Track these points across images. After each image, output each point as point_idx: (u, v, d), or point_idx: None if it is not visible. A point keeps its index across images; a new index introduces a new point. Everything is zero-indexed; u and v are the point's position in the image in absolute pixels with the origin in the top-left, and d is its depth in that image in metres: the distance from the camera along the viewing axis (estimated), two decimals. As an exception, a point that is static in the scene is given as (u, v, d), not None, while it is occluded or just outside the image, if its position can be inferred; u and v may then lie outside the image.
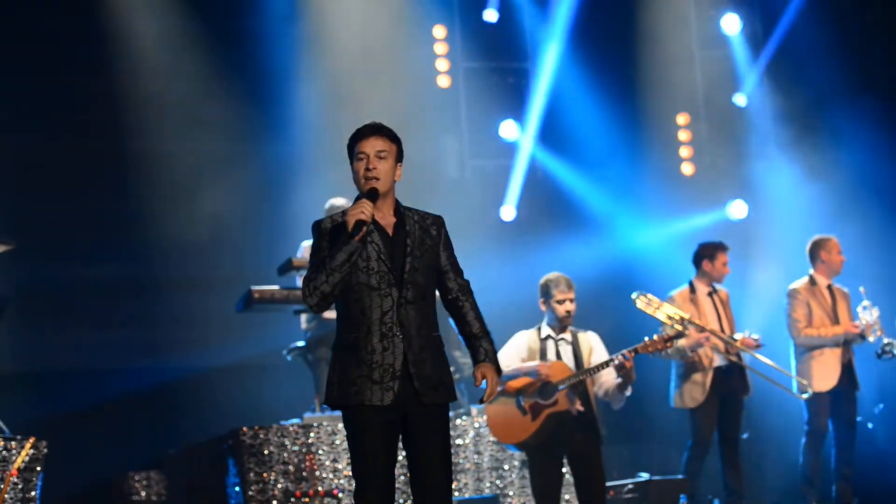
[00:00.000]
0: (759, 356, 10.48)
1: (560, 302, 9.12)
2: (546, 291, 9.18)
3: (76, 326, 12.29)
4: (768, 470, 12.90)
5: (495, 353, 6.36)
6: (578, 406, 8.97)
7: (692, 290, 10.74)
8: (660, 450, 13.25)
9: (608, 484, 10.57)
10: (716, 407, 10.56)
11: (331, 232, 6.14)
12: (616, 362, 8.96)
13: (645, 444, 13.38)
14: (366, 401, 6.04)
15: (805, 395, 10.69)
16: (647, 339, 9.16)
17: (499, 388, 8.91)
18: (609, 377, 9.13)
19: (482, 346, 6.33)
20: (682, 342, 10.29)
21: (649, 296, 10.09)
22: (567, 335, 9.19)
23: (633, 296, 10.05)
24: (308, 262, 10.26)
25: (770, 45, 14.34)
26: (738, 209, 14.54)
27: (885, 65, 14.07)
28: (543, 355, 9.10)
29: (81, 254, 12.33)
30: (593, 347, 9.22)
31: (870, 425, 11.80)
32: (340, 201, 10.78)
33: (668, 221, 14.19)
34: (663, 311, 10.03)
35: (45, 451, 9.19)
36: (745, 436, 11.44)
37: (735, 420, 10.67)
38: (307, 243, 10.95)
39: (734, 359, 10.52)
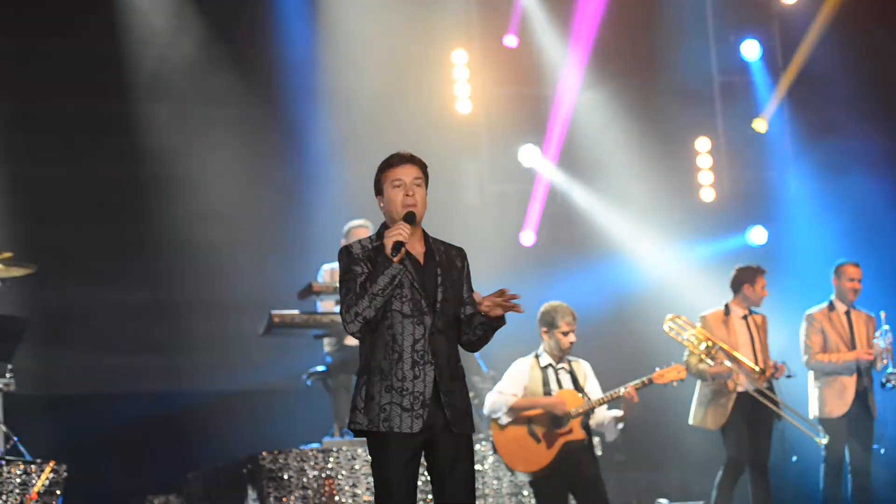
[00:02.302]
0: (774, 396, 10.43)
1: (565, 333, 9.22)
2: (551, 321, 9.24)
3: (96, 350, 12.30)
4: (789, 496, 12.84)
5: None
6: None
7: (727, 312, 10.68)
8: (679, 476, 13.20)
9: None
10: (744, 430, 10.49)
11: (362, 257, 6.16)
12: (626, 393, 9.05)
13: (664, 471, 13.33)
14: (395, 428, 6.04)
15: (823, 441, 10.63)
16: (657, 370, 9.22)
17: (508, 418, 8.99)
18: (602, 408, 9.23)
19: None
20: (703, 367, 10.27)
21: (682, 318, 10.11)
22: (565, 364, 9.29)
23: (668, 318, 10.09)
24: (329, 287, 10.39)
25: (790, 71, 14.35)
26: (758, 235, 14.52)
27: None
28: (546, 383, 9.19)
29: (102, 278, 12.36)
30: (587, 376, 9.36)
31: (882, 451, 11.72)
32: (359, 223, 10.81)
33: (688, 247, 14.17)
34: (691, 335, 10.04)
35: (65, 474, 9.20)
36: (794, 459, 11.32)
37: (762, 445, 10.53)
38: (328, 266, 10.97)
39: (763, 385, 10.46)
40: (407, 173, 6.20)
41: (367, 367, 6.16)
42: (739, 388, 10.38)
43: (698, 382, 10.57)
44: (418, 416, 6.05)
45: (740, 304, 10.71)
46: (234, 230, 12.77)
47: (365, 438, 6.21)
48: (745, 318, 10.68)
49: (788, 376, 10.63)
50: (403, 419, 6.05)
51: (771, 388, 10.51)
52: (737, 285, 10.76)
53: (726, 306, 10.70)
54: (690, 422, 10.66)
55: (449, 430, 6.12)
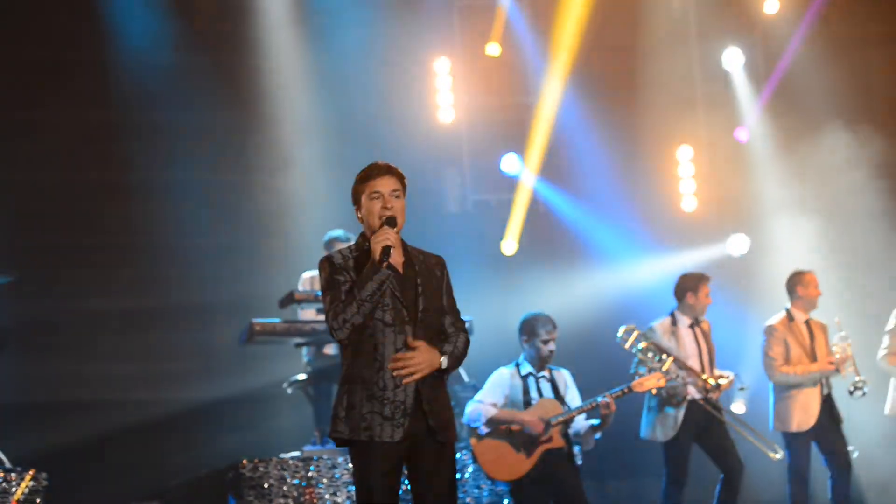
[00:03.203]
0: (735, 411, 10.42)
1: (545, 342, 9.27)
2: (532, 330, 9.29)
3: (76, 358, 12.29)
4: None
5: (451, 356, 6.25)
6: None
7: (673, 321, 10.68)
8: (658, 484, 13.21)
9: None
10: (690, 441, 10.48)
11: (343, 266, 6.17)
12: (603, 402, 9.08)
13: (644, 479, 13.34)
14: (375, 437, 6.06)
15: (777, 456, 10.57)
16: (636, 379, 9.25)
17: (487, 429, 9.02)
18: (580, 417, 9.25)
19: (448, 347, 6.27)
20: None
21: (631, 328, 10.11)
22: (546, 372, 9.32)
23: (622, 328, 10.09)
24: (310, 295, 10.40)
25: (772, 80, 14.38)
26: (738, 244, 14.54)
27: (887, 99, 14.10)
28: (526, 392, 9.23)
29: (82, 286, 12.36)
30: (567, 384, 9.39)
31: (855, 454, 11.70)
32: (339, 233, 10.82)
33: (669, 256, 14.19)
34: (644, 346, 10.04)
35: (46, 483, 9.19)
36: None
37: (726, 448, 10.50)
38: (307, 274, 10.98)
39: (713, 394, 10.44)
40: (385, 185, 6.21)
41: (348, 375, 6.17)
42: (689, 397, 10.33)
43: (647, 395, 10.50)
44: (399, 424, 6.07)
45: (685, 312, 10.68)
46: (215, 238, 12.77)
47: (346, 447, 6.23)
48: (691, 326, 10.67)
49: (741, 388, 10.63)
50: (384, 428, 6.06)
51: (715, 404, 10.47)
52: (680, 293, 10.72)
53: (672, 315, 10.68)
54: (642, 435, 10.58)
55: (431, 438, 6.14)
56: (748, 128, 14.58)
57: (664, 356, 10.13)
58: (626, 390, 9.28)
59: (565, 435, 9.18)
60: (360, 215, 6.28)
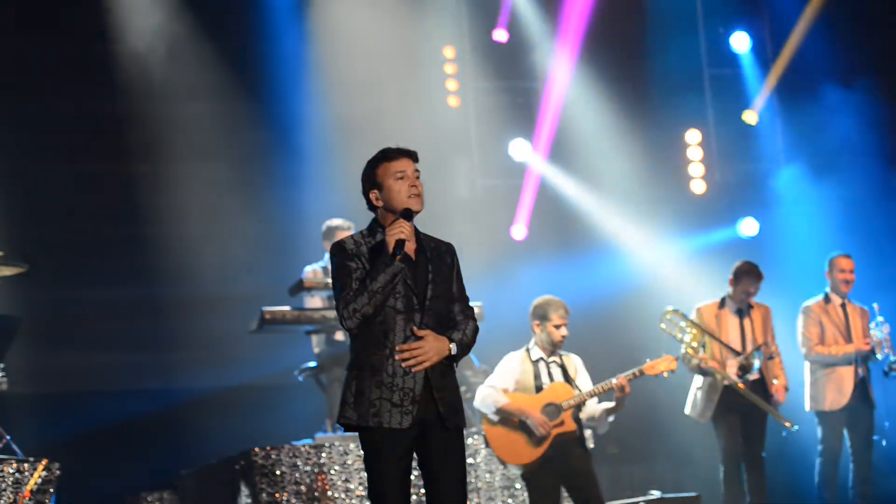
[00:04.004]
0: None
1: (557, 326, 9.23)
2: (543, 314, 9.26)
3: (88, 348, 12.30)
4: (782, 490, 12.85)
5: (460, 343, 6.25)
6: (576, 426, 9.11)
7: (721, 304, 10.67)
8: (672, 468, 13.22)
9: (620, 502, 10.62)
10: (734, 422, 10.48)
11: (356, 252, 6.16)
12: (616, 384, 9.07)
13: (658, 463, 13.35)
14: (384, 423, 6.06)
15: (795, 428, 10.53)
16: (648, 361, 9.23)
17: (494, 416, 9.03)
18: (593, 401, 9.24)
19: (456, 335, 6.26)
20: (696, 362, 10.27)
21: (678, 313, 10.11)
22: (556, 357, 9.30)
23: (667, 309, 10.10)
24: (320, 283, 10.39)
25: (780, 62, 14.36)
26: (749, 227, 14.53)
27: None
28: (537, 376, 9.21)
29: (93, 276, 12.36)
30: (578, 369, 9.35)
31: (883, 442, 11.74)
32: (339, 222, 10.81)
33: (679, 239, 14.19)
34: (685, 331, 10.05)
35: (58, 472, 9.20)
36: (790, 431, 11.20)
37: (754, 436, 10.50)
38: (310, 268, 10.97)
39: (749, 375, 10.44)
40: (408, 165, 6.22)
41: (357, 362, 6.17)
42: (725, 382, 10.35)
43: (695, 375, 10.56)
44: (408, 411, 6.07)
45: (734, 297, 10.68)
46: (224, 227, 12.77)
47: (357, 434, 6.24)
48: (738, 312, 10.67)
49: (770, 357, 10.62)
50: (393, 415, 6.06)
51: (761, 381, 10.47)
52: (731, 279, 10.72)
53: (722, 299, 10.69)
54: (686, 411, 10.66)
55: (441, 425, 6.14)
56: (757, 110, 14.55)
57: (703, 339, 10.14)
58: (637, 373, 9.26)
59: (577, 419, 9.17)
60: (377, 199, 6.25)
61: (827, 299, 11.07)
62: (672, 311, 10.29)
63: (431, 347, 6.11)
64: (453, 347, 6.18)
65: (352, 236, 6.26)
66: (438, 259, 6.28)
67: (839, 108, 13.75)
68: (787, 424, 10.39)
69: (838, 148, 13.77)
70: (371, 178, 6.25)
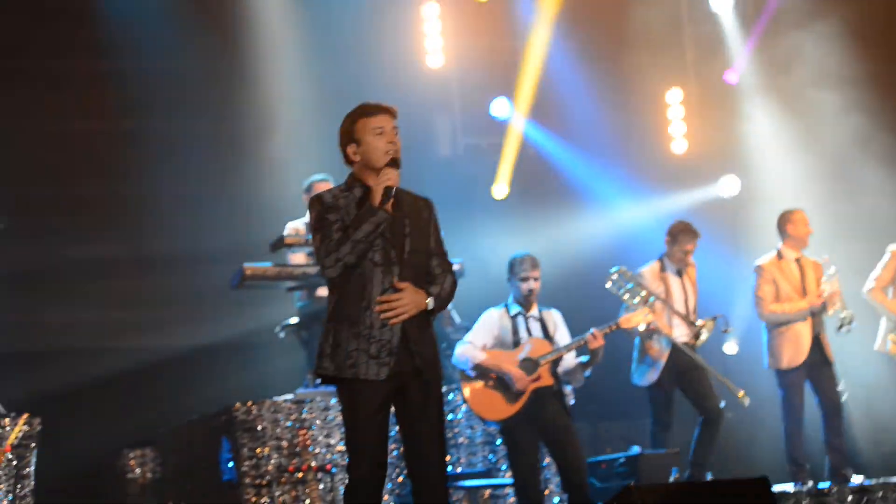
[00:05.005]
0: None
1: (524, 280, 9.28)
2: (511, 269, 9.35)
3: (69, 305, 12.29)
4: (759, 448, 12.93)
5: (437, 297, 6.29)
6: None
7: (662, 267, 10.75)
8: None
9: (600, 458, 10.69)
10: (672, 385, 10.56)
11: (334, 205, 6.17)
12: (590, 336, 9.12)
13: (638, 420, 13.41)
14: (361, 375, 6.09)
15: (745, 400, 10.55)
16: (621, 317, 9.29)
17: (472, 373, 9.07)
18: (570, 355, 9.29)
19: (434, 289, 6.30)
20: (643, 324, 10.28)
21: (623, 270, 10.13)
22: (535, 312, 9.36)
23: (613, 271, 10.12)
24: (301, 240, 10.39)
25: (761, 21, 14.34)
26: (729, 185, 14.56)
27: (881, 42, 14.04)
28: (515, 332, 9.26)
29: (73, 233, 12.34)
30: (557, 324, 9.40)
31: (845, 396, 11.75)
32: (321, 177, 10.80)
33: (660, 198, 14.21)
34: (633, 288, 10.06)
35: (39, 427, 9.22)
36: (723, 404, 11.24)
37: (701, 394, 10.59)
38: (292, 224, 10.96)
39: (699, 339, 10.54)
40: (387, 121, 6.24)
41: (335, 314, 6.19)
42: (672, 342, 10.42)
43: (636, 341, 10.62)
44: (384, 363, 6.10)
45: (672, 258, 10.74)
46: (204, 184, 12.75)
47: (335, 387, 6.26)
48: (678, 273, 10.74)
49: (724, 331, 10.69)
50: (370, 366, 6.09)
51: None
52: (668, 240, 10.80)
53: (661, 260, 10.75)
54: (634, 382, 10.70)
55: (418, 377, 6.17)
56: (737, 69, 14.55)
57: (651, 300, 10.16)
58: (613, 326, 9.33)
59: (554, 374, 9.22)
60: (354, 154, 6.26)
61: (780, 256, 11.04)
62: (621, 271, 10.23)
63: (410, 300, 6.14)
64: (430, 301, 6.21)
65: (329, 190, 6.30)
66: (416, 213, 6.31)
67: (822, 64, 13.63)
68: (740, 395, 10.44)
69: (819, 104, 13.69)
70: (349, 132, 6.27)
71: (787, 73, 14.03)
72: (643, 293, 10.12)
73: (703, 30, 14.75)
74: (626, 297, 10.11)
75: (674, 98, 14.78)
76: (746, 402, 10.46)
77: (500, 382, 9.11)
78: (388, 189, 6.07)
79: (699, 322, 10.55)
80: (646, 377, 10.59)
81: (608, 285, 10.15)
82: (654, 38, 14.31)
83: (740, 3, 14.62)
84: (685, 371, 10.54)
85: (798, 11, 13.86)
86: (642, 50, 14.33)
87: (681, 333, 10.55)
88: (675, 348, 10.46)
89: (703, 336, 10.55)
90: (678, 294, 10.67)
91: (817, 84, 13.65)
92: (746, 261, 11.73)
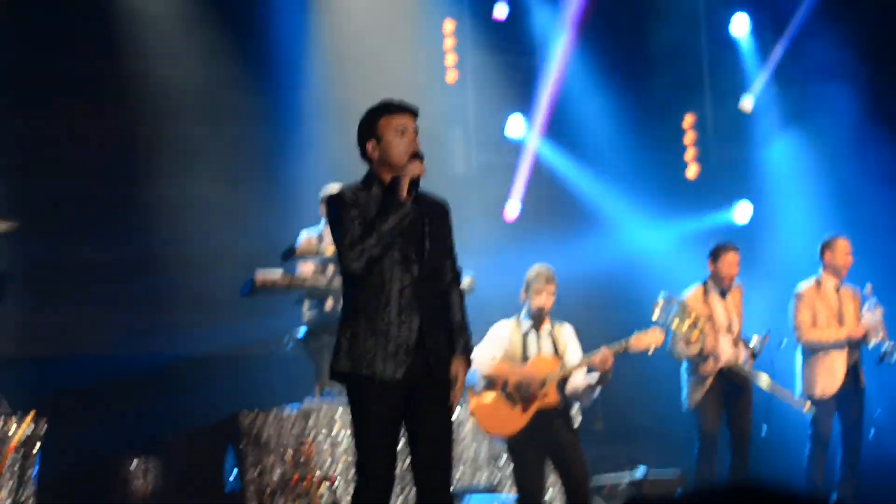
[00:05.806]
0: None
1: (537, 293, 9.18)
2: (527, 282, 9.27)
3: (78, 308, 12.26)
4: (770, 471, 12.85)
5: (471, 349, 6.36)
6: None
7: (705, 291, 10.62)
8: (659, 447, 13.22)
9: (604, 476, 10.62)
10: (719, 405, 10.45)
11: (353, 202, 6.12)
12: (596, 358, 9.01)
13: (644, 441, 13.36)
14: (378, 372, 6.05)
15: (811, 410, 10.53)
16: (632, 337, 9.17)
17: (482, 384, 9.00)
18: (578, 374, 9.19)
19: (461, 338, 6.32)
20: (681, 349, 10.21)
21: (668, 296, 9.97)
22: (546, 326, 9.26)
23: (659, 298, 9.93)
24: (312, 250, 10.34)
25: (780, 48, 14.32)
26: (742, 212, 14.52)
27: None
28: (525, 347, 9.17)
29: (84, 235, 12.32)
30: (568, 341, 9.30)
31: (871, 431, 11.71)
32: (336, 187, 10.76)
33: (673, 222, 14.18)
34: (681, 318, 9.96)
35: (45, 426, 9.19)
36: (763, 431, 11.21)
37: (743, 418, 10.48)
38: (305, 233, 10.94)
39: (750, 360, 10.44)
40: (409, 121, 6.21)
41: (352, 309, 6.16)
42: (720, 365, 10.33)
43: (682, 367, 10.52)
44: (402, 362, 6.07)
45: (716, 281, 10.63)
46: (217, 189, 12.74)
47: (346, 398, 6.22)
48: (722, 294, 10.62)
49: (781, 346, 10.61)
50: (387, 365, 6.06)
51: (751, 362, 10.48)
52: (711, 262, 10.69)
53: (704, 284, 10.63)
54: (685, 408, 10.58)
55: (429, 378, 6.13)
56: (754, 95, 14.53)
57: (697, 323, 10.06)
58: (623, 346, 9.20)
59: (562, 392, 9.14)
60: (373, 148, 6.22)
61: (819, 283, 10.98)
62: (665, 300, 10.08)
63: (461, 381, 6.27)
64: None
65: (348, 186, 6.26)
66: (433, 214, 6.29)
67: (839, 92, 13.63)
68: (806, 407, 10.42)
69: (837, 133, 13.67)
70: (370, 127, 6.23)
71: (804, 100, 14.02)
72: (691, 317, 10.01)
73: (722, 55, 14.74)
74: (675, 323, 9.95)
75: (689, 122, 14.75)
76: (813, 411, 10.44)
77: (507, 397, 9.04)
78: (416, 179, 6.05)
79: (752, 340, 10.40)
80: (693, 398, 10.46)
81: (655, 316, 9.92)
82: (672, 62, 14.31)
83: (760, 27, 14.60)
84: (732, 393, 10.42)
85: (816, 39, 13.84)
86: (659, 73, 14.33)
87: (729, 355, 10.39)
88: (721, 371, 10.34)
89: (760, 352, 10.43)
90: (721, 316, 10.52)
91: (834, 112, 13.63)
92: (758, 287, 11.67)
